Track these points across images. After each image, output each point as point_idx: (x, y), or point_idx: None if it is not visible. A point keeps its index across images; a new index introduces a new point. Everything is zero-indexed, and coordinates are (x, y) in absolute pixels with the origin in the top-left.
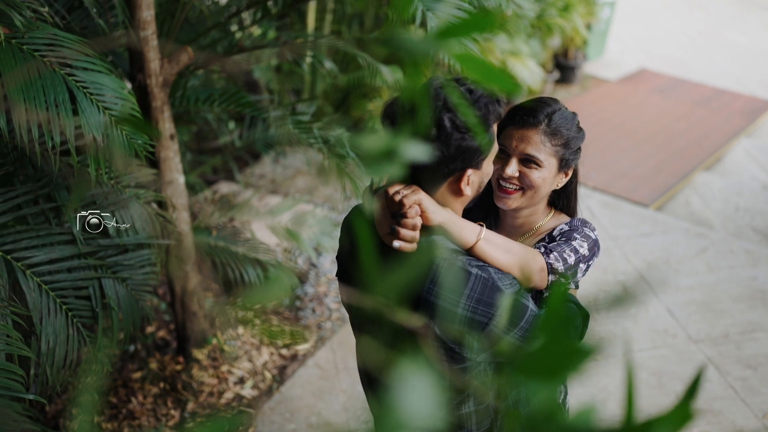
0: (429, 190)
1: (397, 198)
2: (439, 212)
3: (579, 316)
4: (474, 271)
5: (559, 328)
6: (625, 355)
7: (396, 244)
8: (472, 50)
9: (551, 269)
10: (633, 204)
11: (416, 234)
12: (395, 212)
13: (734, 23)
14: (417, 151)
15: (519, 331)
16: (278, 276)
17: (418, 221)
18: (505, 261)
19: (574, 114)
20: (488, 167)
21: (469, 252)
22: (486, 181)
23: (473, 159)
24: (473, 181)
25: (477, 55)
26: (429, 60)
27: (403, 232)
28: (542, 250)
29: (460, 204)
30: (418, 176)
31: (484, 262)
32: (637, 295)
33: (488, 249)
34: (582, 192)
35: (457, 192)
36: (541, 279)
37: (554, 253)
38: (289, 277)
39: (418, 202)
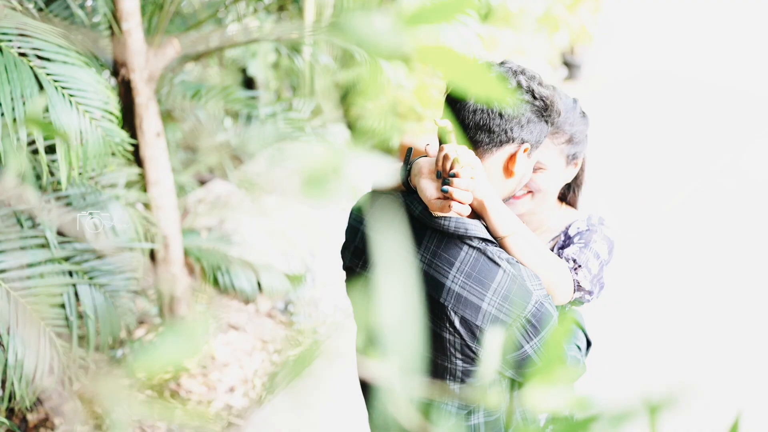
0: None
1: (452, 155)
2: (486, 186)
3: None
4: (504, 264)
5: None
6: None
7: (456, 207)
8: (449, 45)
9: (578, 287)
10: (640, 207)
11: (471, 196)
12: (446, 172)
13: (746, 21)
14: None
15: (539, 342)
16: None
17: (471, 184)
18: (536, 264)
19: (575, 101)
20: (532, 165)
21: (500, 243)
22: (525, 181)
23: (533, 135)
24: (520, 166)
25: (454, 50)
26: (394, 54)
27: (458, 192)
28: (571, 264)
29: (500, 190)
30: (473, 139)
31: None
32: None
33: (522, 245)
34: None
35: (507, 169)
36: (565, 298)
37: (583, 269)
38: (283, 280)
39: (471, 165)
